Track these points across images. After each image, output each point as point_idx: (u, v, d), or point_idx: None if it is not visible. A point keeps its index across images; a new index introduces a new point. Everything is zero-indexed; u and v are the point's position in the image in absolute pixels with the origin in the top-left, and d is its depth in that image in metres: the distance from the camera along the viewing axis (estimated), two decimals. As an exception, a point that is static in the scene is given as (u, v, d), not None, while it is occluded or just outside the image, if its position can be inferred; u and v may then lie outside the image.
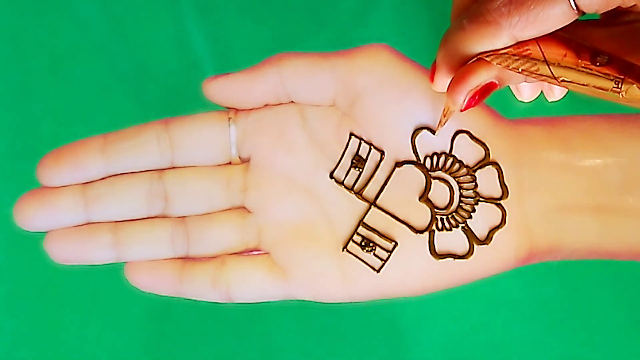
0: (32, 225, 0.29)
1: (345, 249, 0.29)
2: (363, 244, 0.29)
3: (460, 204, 0.29)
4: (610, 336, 0.43)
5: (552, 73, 0.24)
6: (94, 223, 0.30)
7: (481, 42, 0.23)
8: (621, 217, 0.28)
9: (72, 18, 0.47)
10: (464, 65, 0.25)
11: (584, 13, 0.22)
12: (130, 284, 0.30)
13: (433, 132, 0.29)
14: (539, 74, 0.24)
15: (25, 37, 0.47)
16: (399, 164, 0.29)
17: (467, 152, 0.29)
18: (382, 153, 0.29)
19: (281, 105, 0.30)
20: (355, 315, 0.44)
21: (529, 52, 0.24)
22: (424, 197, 0.29)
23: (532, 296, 0.44)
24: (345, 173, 0.30)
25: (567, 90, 0.30)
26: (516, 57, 0.24)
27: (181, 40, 0.46)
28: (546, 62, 0.24)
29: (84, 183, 0.30)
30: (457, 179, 0.29)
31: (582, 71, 0.23)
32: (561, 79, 0.24)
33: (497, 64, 0.24)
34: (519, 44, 0.24)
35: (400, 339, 0.44)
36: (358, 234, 0.29)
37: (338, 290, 0.30)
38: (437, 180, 0.29)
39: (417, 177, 0.29)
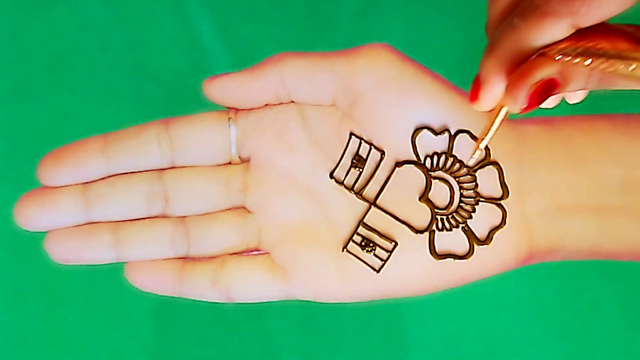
0: (32, 225, 0.29)
1: (345, 249, 0.29)
2: (363, 244, 0.29)
3: (461, 204, 0.29)
4: (610, 336, 0.43)
5: (623, 65, 0.21)
6: (94, 223, 0.30)
7: (541, 35, 0.21)
8: (622, 218, 0.28)
9: (72, 19, 0.47)
10: (519, 70, 0.23)
11: None
12: (131, 284, 0.30)
13: (434, 131, 0.29)
14: (607, 66, 0.22)
15: (25, 37, 0.47)
16: (399, 163, 0.29)
17: (468, 152, 0.29)
18: (383, 153, 0.29)
19: (281, 105, 0.30)
20: (355, 315, 0.44)
21: (593, 45, 0.22)
22: (424, 197, 0.29)
23: (532, 296, 0.44)
24: (345, 173, 0.30)
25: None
26: (581, 49, 0.22)
27: (181, 40, 0.47)
28: (616, 55, 0.21)
29: (84, 183, 0.30)
30: (457, 179, 0.29)
31: None
32: (631, 68, 0.21)
33: (561, 57, 0.22)
34: (582, 33, 0.22)
35: (400, 339, 0.44)
36: (358, 234, 0.29)
37: (338, 290, 0.30)
38: (437, 180, 0.29)
39: (417, 177, 0.29)
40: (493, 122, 0.26)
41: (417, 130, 0.29)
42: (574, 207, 0.29)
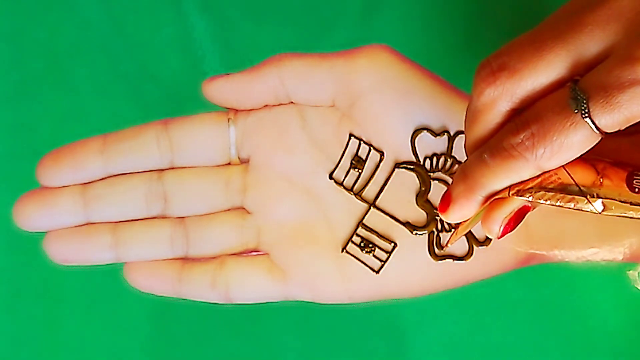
0: (31, 226, 0.30)
1: (344, 250, 0.29)
2: (362, 244, 0.29)
3: (460, 205, 0.29)
4: (610, 337, 0.43)
5: (589, 202, 0.23)
6: (93, 223, 0.30)
7: (507, 175, 0.23)
8: (620, 219, 0.28)
9: (72, 18, 0.47)
10: (489, 200, 0.24)
11: (606, 133, 0.21)
12: (130, 284, 0.30)
13: (433, 133, 0.29)
14: (574, 204, 0.23)
15: (25, 37, 0.47)
16: (398, 164, 0.29)
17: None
18: (382, 154, 0.29)
19: (281, 106, 0.30)
20: (354, 316, 0.44)
21: (558, 178, 0.23)
22: (423, 198, 0.29)
23: (531, 297, 0.44)
24: (344, 174, 0.30)
25: None
26: (547, 190, 0.23)
27: (181, 40, 0.46)
28: (579, 188, 0.23)
29: (83, 183, 0.30)
30: (456, 180, 0.29)
31: (622, 201, 0.23)
32: (599, 201, 0.23)
33: (528, 200, 0.23)
34: (545, 173, 0.23)
35: (400, 339, 0.44)
36: (357, 235, 0.29)
37: (337, 291, 0.30)
38: (436, 181, 0.29)
39: (416, 178, 0.29)
40: (465, 226, 0.27)
41: (417, 131, 0.29)
42: (574, 208, 0.29)
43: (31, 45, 0.46)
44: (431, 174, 0.29)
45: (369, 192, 0.29)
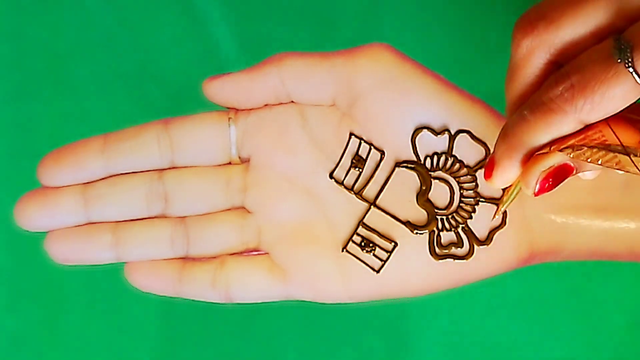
0: (32, 225, 0.29)
1: (344, 250, 0.29)
2: (363, 244, 0.29)
3: (461, 205, 0.29)
4: (611, 337, 0.43)
5: (632, 161, 0.22)
6: (94, 223, 0.30)
7: (548, 130, 0.22)
8: (622, 218, 0.28)
9: (73, 18, 0.47)
10: (531, 157, 0.24)
11: None
12: (130, 284, 0.30)
13: (433, 132, 0.29)
14: (615, 162, 0.22)
15: (25, 36, 0.47)
16: (399, 164, 0.29)
17: (468, 152, 0.29)
18: (382, 153, 0.29)
19: (281, 105, 0.30)
20: (355, 315, 0.44)
21: (602, 136, 0.23)
22: (424, 197, 0.29)
23: (533, 297, 0.44)
24: (345, 173, 0.30)
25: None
26: (589, 147, 0.22)
27: (181, 40, 0.46)
28: (623, 147, 0.22)
29: (84, 183, 0.30)
30: (457, 179, 0.29)
31: None
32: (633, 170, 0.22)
33: (569, 156, 0.23)
34: (588, 127, 0.22)
35: (400, 339, 0.44)
36: (358, 235, 0.29)
37: (338, 291, 0.29)
38: (437, 181, 0.29)
39: (417, 177, 0.29)
40: (510, 193, 0.26)
41: (417, 130, 0.29)
42: (575, 207, 0.28)
43: (32, 45, 0.47)
44: (432, 173, 0.29)
45: (370, 191, 0.29)
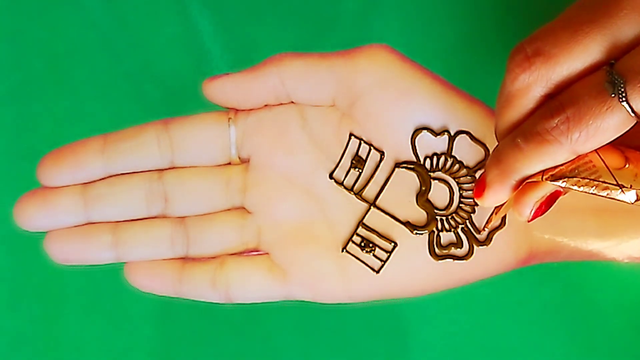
0: (32, 225, 0.30)
1: (344, 250, 0.29)
2: (362, 244, 0.29)
3: (460, 205, 0.29)
4: (610, 337, 0.43)
5: (616, 181, 0.23)
6: (94, 223, 0.30)
7: (542, 160, 0.23)
8: (621, 219, 0.28)
9: (73, 18, 0.47)
10: (523, 184, 0.24)
11: None
12: (130, 284, 0.30)
13: (433, 132, 0.29)
14: (607, 193, 0.23)
15: (25, 36, 0.47)
16: (398, 164, 0.29)
17: (467, 152, 0.29)
18: (382, 153, 0.29)
19: (281, 106, 0.30)
20: (354, 315, 0.44)
21: (590, 162, 0.23)
22: (423, 197, 0.29)
23: (532, 297, 0.44)
24: (345, 173, 0.30)
25: None
26: (582, 178, 0.23)
27: (181, 40, 0.46)
28: (616, 181, 0.23)
29: (84, 183, 0.30)
30: (457, 180, 0.29)
31: None
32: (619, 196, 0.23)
33: (561, 186, 0.24)
34: (577, 158, 0.23)
35: (400, 339, 0.44)
36: (357, 235, 0.29)
37: (337, 291, 0.30)
38: (437, 181, 0.29)
39: (416, 177, 0.29)
40: (499, 212, 0.27)
41: (417, 131, 0.29)
42: (574, 208, 0.29)
43: (32, 45, 0.47)
44: (431, 174, 0.29)
45: (369, 191, 0.29)
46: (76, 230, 0.30)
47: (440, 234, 0.29)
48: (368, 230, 0.29)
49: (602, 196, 0.23)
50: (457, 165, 0.29)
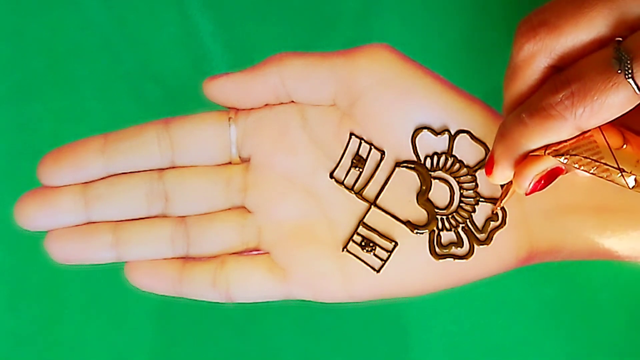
0: (32, 225, 0.29)
1: (345, 249, 0.29)
2: (363, 244, 0.29)
3: (461, 204, 0.29)
4: (611, 337, 0.43)
5: (617, 165, 0.23)
6: (94, 223, 0.30)
7: (546, 135, 0.23)
8: (621, 218, 0.28)
9: (73, 18, 0.47)
10: (527, 158, 0.24)
11: None
12: (131, 283, 0.30)
13: (433, 132, 0.29)
14: (606, 175, 0.23)
15: (25, 36, 0.47)
16: (399, 164, 0.29)
17: (468, 152, 0.29)
18: (383, 153, 0.29)
19: (281, 105, 0.30)
20: (355, 315, 0.44)
21: (592, 139, 0.23)
22: (424, 197, 0.29)
23: (533, 297, 0.44)
24: (345, 173, 0.30)
25: None
26: (584, 157, 0.23)
27: (181, 40, 0.46)
28: (617, 164, 0.23)
29: (84, 183, 0.30)
30: (457, 179, 0.29)
31: None
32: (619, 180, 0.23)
33: (563, 162, 0.24)
34: (581, 134, 0.23)
35: (401, 339, 0.44)
36: (358, 234, 0.29)
37: (338, 290, 0.30)
38: (437, 180, 0.29)
39: (417, 177, 0.29)
40: (507, 190, 0.28)
41: (417, 130, 0.29)
42: (574, 207, 0.29)
43: (32, 45, 0.47)
44: (432, 173, 0.29)
45: (370, 191, 0.29)
46: (76, 229, 0.30)
47: (441, 233, 0.29)
48: (368, 230, 0.29)
49: (602, 177, 0.23)
50: (457, 165, 0.29)
